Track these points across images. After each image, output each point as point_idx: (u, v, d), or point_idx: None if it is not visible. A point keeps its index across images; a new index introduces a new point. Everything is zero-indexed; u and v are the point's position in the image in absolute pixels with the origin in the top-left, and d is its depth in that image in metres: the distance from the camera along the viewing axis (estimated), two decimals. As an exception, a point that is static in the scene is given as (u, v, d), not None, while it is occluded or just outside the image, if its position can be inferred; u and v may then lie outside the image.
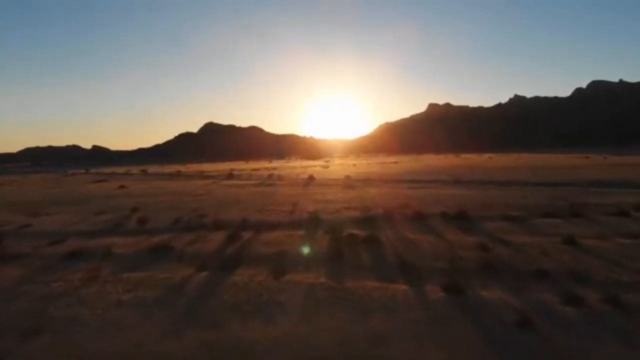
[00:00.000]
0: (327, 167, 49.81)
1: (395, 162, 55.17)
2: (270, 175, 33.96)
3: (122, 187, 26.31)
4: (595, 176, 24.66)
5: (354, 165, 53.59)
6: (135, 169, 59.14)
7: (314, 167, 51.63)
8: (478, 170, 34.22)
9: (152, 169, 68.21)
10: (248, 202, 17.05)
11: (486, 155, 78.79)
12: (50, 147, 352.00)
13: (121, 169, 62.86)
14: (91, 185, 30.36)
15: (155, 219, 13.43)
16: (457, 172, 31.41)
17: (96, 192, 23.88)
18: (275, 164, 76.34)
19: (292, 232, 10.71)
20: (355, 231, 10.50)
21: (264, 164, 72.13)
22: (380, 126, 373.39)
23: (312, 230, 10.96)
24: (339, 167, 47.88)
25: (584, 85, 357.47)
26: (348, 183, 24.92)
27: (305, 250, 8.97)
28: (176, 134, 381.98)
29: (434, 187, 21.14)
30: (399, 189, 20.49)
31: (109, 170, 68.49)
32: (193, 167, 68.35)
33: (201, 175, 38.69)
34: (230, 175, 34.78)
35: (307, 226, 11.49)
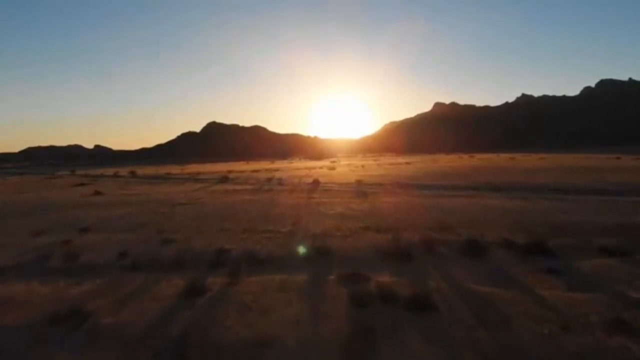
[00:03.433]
0: (333, 168, 45.90)
1: (408, 163, 51.05)
2: (269, 179, 30.14)
3: (97, 193, 22.63)
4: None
5: (362, 166, 49.51)
6: (124, 171, 55.45)
7: (319, 168, 47.72)
8: (505, 172, 30.20)
9: (148, 170, 64.79)
10: (236, 216, 13.25)
11: (504, 155, 74.25)
12: (52, 146, 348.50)
13: (111, 170, 59.20)
14: (65, 191, 26.68)
15: (99, 248, 9.65)
16: (483, 176, 27.45)
17: (62, 200, 20.18)
18: (278, 164, 72.60)
19: (287, 278, 6.88)
20: (386, 277, 6.72)
21: (265, 165, 68.32)
22: (386, 125, 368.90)
23: (319, 273, 7.13)
24: (346, 169, 43.95)
25: (592, 83, 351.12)
26: (360, 189, 21.07)
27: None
28: (179, 134, 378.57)
29: (467, 195, 17.25)
30: (424, 198, 16.61)
31: (99, 171, 64.86)
32: (191, 168, 64.63)
33: (193, 179, 34.94)
34: (224, 179, 30.98)
35: (310, 264, 7.66)
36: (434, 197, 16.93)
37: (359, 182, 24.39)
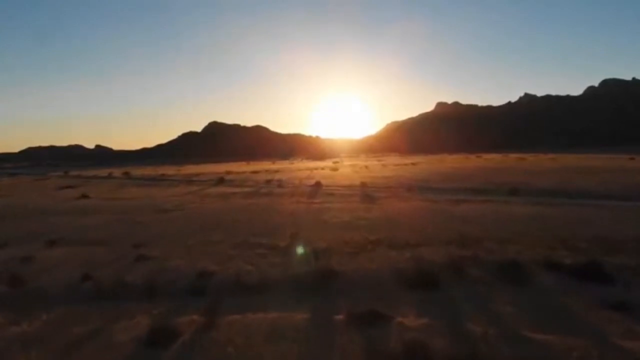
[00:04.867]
0: (336, 169, 44.32)
1: (413, 164, 49.33)
2: (269, 181, 28.60)
3: (83, 196, 21.14)
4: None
5: (366, 167, 47.83)
6: (119, 172, 53.94)
7: (321, 169, 46.12)
8: (517, 174, 28.60)
9: (144, 170, 63.46)
10: (227, 226, 11.73)
11: (512, 156, 72.22)
12: (52, 146, 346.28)
13: (108, 171, 57.56)
14: (52, 194, 25.21)
15: (61, 267, 8.14)
16: (495, 178, 25.87)
17: (43, 205, 18.71)
18: (279, 165, 71.06)
19: (281, 317, 5.32)
20: (411, 317, 5.17)
21: (265, 166, 66.75)
22: (388, 125, 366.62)
23: (323, 310, 5.58)
24: (349, 170, 42.38)
25: (596, 83, 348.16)
26: (366, 193, 19.52)
27: None
28: (180, 134, 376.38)
29: (484, 200, 15.67)
30: (438, 204, 15.05)
31: (95, 172, 63.20)
32: (188, 169, 63.16)
33: (188, 180, 33.43)
34: (220, 181, 29.44)
35: (312, 295, 6.10)
36: (448, 202, 15.36)
37: (364, 185, 22.84)
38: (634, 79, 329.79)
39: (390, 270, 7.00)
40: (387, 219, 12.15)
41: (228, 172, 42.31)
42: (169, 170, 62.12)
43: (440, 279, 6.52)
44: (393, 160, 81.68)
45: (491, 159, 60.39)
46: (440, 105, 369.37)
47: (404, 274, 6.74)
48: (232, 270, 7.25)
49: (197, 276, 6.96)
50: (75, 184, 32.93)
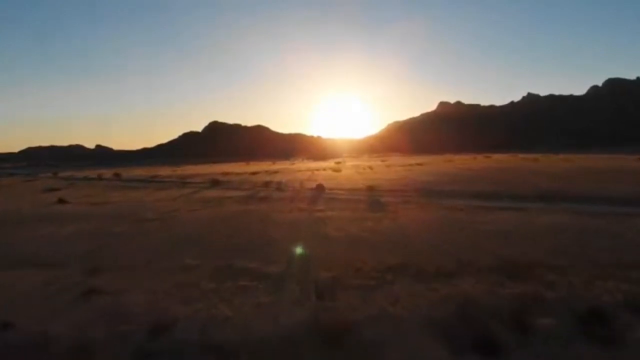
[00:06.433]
0: (338, 170, 42.27)
1: (419, 165, 47.13)
2: (267, 183, 26.63)
3: (60, 201, 19.20)
4: None
5: (370, 168, 45.67)
6: (108, 173, 51.93)
7: (323, 170, 44.08)
8: (536, 176, 26.53)
9: (139, 171, 61.59)
10: (210, 241, 9.75)
11: (523, 156, 69.68)
12: (52, 146, 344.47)
13: (95, 173, 55.29)
14: (32, 197, 23.29)
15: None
16: (513, 180, 23.86)
17: (14, 212, 16.79)
18: (279, 165, 69.03)
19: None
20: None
21: (265, 166, 64.70)
22: (389, 125, 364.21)
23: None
24: (352, 171, 40.35)
25: (599, 83, 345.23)
26: (373, 198, 17.54)
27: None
28: (180, 134, 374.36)
29: (514, 207, 13.61)
30: (459, 212, 13.02)
31: (86, 173, 60.94)
32: (185, 170, 61.19)
33: (182, 182, 31.48)
34: (215, 183, 27.46)
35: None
36: (471, 209, 13.34)
37: (370, 188, 20.82)
38: (638, 78, 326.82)
39: (423, 319, 5.00)
40: (403, 232, 10.17)
41: (225, 173, 40.34)
42: (165, 170, 60.22)
43: (497, 334, 4.54)
44: (397, 160, 79.56)
45: (500, 159, 58.05)
46: (442, 105, 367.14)
47: (443, 327, 4.76)
48: (202, 316, 5.26)
49: (151, 328, 4.97)
50: (62, 186, 31.03)
